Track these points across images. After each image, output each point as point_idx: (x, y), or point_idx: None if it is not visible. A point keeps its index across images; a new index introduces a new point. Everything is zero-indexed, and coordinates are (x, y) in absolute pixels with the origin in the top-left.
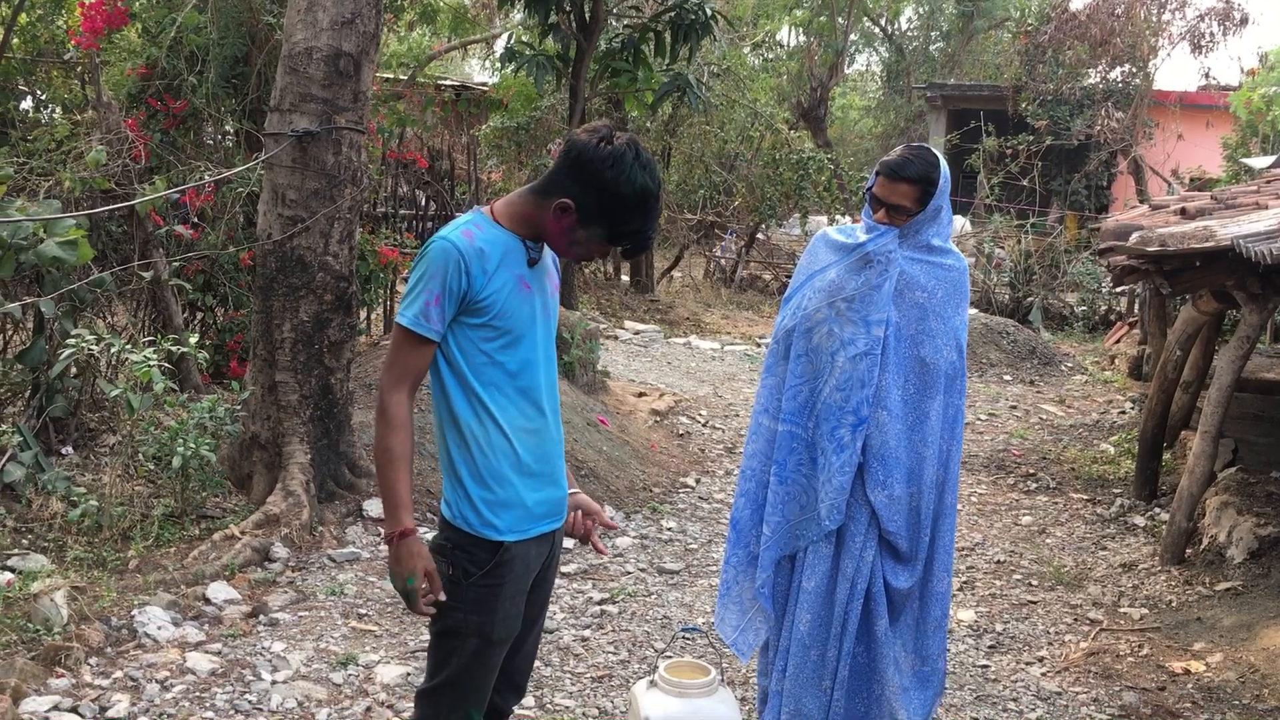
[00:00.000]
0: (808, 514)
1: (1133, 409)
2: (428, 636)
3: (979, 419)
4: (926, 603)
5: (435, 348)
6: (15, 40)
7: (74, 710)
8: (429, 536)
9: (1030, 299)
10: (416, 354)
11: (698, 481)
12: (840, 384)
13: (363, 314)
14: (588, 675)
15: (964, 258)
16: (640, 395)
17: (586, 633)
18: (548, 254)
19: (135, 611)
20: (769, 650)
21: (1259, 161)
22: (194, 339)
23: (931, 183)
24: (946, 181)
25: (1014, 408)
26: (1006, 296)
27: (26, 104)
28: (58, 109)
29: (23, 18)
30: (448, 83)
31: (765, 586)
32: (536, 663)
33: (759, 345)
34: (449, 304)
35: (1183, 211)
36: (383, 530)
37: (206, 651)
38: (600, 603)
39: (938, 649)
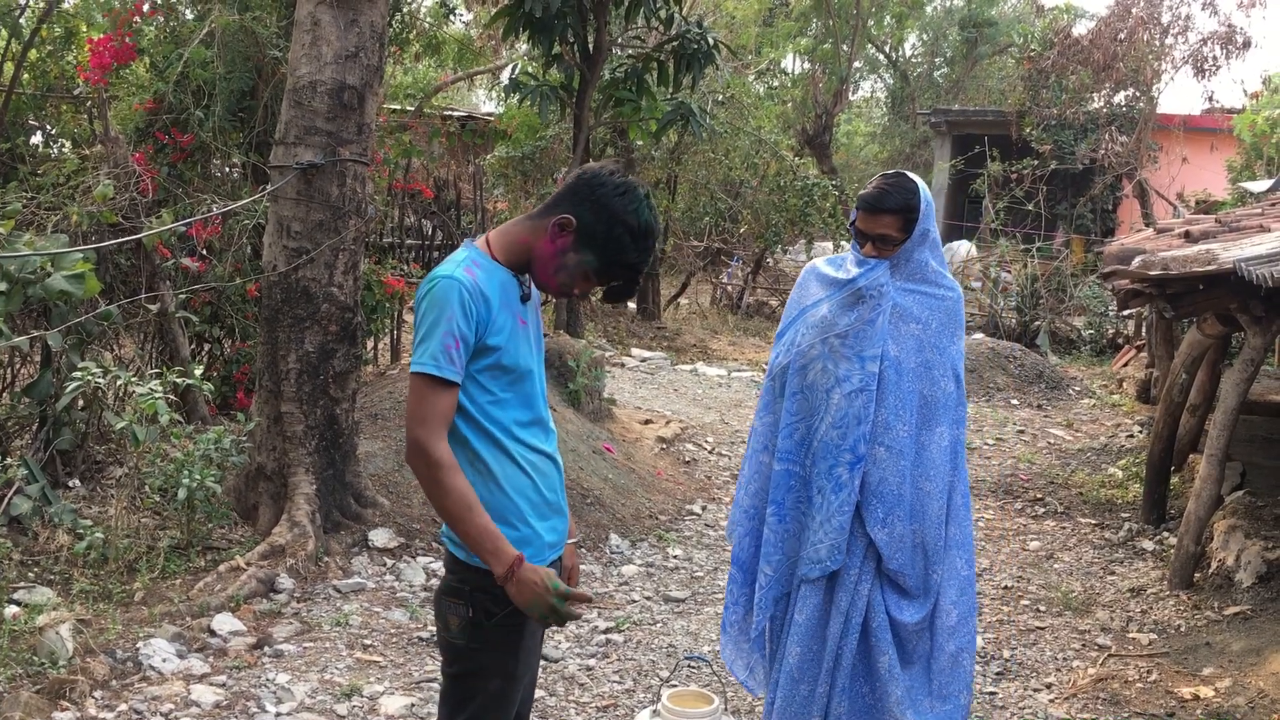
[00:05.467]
0: (804, 552)
1: (1141, 432)
2: (432, 667)
3: (986, 444)
4: (937, 638)
5: (458, 390)
6: (26, 76)
7: None
8: (427, 561)
9: (1037, 323)
10: (443, 399)
11: (704, 509)
12: (836, 421)
13: (369, 344)
14: (593, 705)
15: (958, 285)
16: (646, 422)
17: (591, 662)
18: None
19: (140, 644)
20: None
21: (1258, 185)
22: (200, 370)
23: (913, 209)
24: (929, 205)
25: (1021, 432)
26: (1013, 321)
27: (37, 139)
28: (67, 144)
29: (33, 54)
30: (455, 113)
31: (762, 630)
32: (542, 693)
33: (765, 372)
34: (465, 346)
35: (1187, 235)
36: (496, 571)
37: (211, 684)
38: (605, 631)
39: (959, 685)
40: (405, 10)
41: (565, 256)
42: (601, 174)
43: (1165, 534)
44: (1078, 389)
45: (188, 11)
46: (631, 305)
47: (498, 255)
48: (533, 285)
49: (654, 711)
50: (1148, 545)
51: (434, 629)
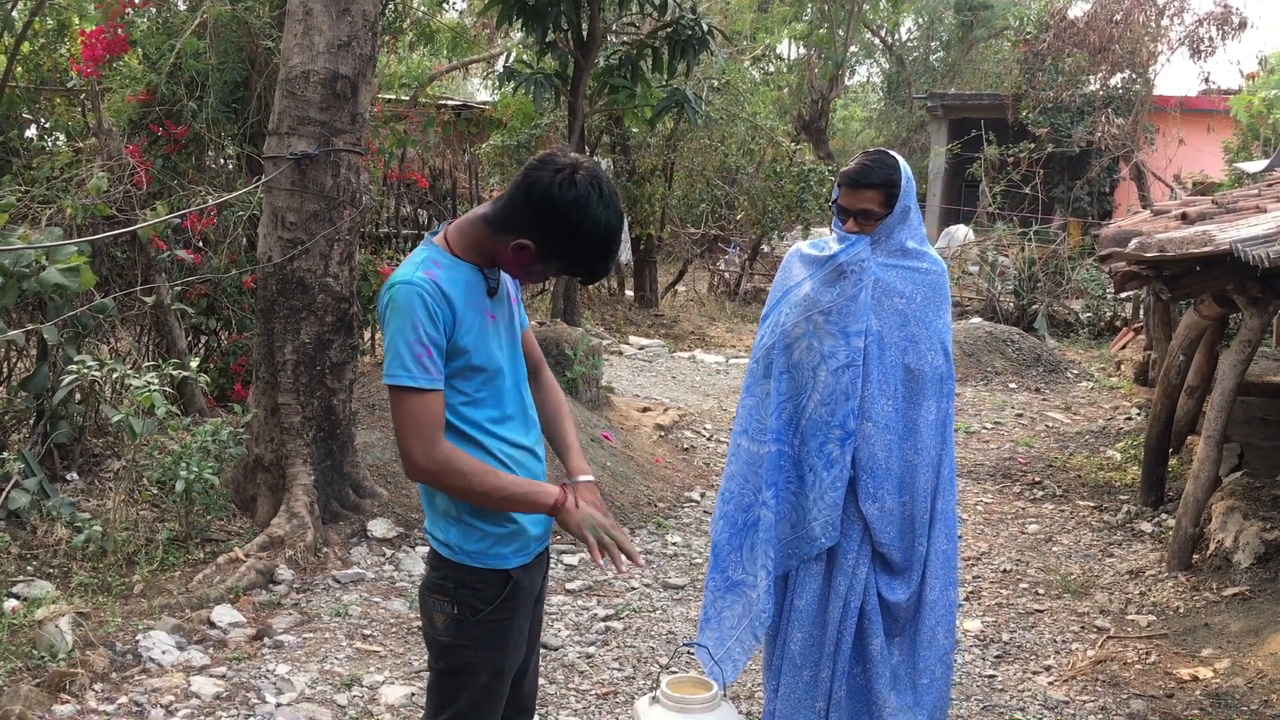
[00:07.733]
0: (798, 532)
1: (1139, 415)
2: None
3: (984, 428)
4: (920, 613)
5: (442, 394)
6: (19, 69)
7: None
8: (426, 551)
9: (1035, 306)
10: (428, 405)
11: (702, 495)
12: (824, 398)
13: (365, 335)
14: (592, 693)
15: (940, 260)
16: (644, 410)
17: (591, 650)
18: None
19: (140, 636)
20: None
21: (1254, 166)
22: (197, 363)
23: (894, 185)
24: (910, 182)
25: (1020, 416)
26: (1011, 304)
27: (31, 132)
28: (61, 137)
29: (25, 46)
30: (450, 102)
31: (768, 615)
32: (542, 680)
33: None
34: (438, 350)
35: (1184, 216)
36: (547, 512)
37: (211, 675)
38: (605, 619)
39: (933, 659)
40: None
41: (531, 267)
42: (552, 190)
43: (1164, 516)
44: (1076, 372)
45: (180, 2)
46: (629, 293)
47: (459, 253)
48: (503, 276)
49: (653, 698)
50: (1146, 527)
51: None
